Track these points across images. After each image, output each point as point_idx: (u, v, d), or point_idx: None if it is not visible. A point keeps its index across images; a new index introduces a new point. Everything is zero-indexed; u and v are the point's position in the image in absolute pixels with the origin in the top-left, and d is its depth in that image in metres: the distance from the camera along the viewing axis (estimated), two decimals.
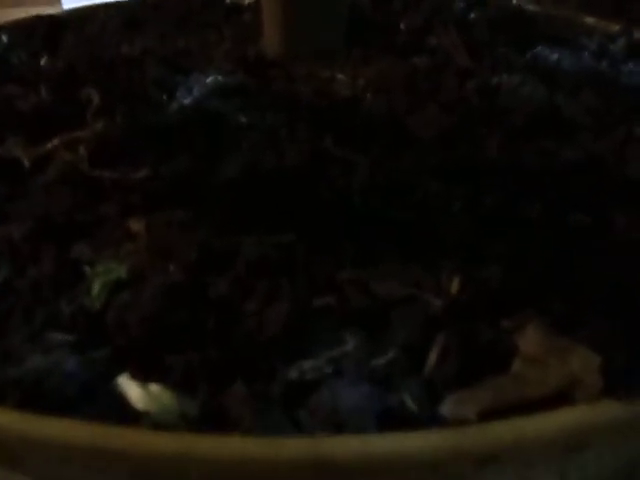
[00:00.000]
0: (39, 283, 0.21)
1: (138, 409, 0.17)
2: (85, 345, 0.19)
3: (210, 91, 0.36)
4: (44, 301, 0.21)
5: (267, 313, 0.19)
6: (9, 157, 0.30)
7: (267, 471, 0.15)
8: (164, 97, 0.36)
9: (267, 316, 0.18)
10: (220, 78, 0.38)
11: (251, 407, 0.16)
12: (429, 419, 0.16)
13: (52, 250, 0.22)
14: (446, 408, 0.16)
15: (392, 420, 0.16)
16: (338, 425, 0.16)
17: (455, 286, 0.19)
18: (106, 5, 0.67)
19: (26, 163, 0.30)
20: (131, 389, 0.17)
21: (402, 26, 0.54)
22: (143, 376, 0.17)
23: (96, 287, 0.19)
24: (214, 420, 0.17)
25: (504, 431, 0.15)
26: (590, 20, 0.57)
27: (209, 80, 0.37)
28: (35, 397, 0.17)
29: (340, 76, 0.40)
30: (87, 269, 0.21)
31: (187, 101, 0.35)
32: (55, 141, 0.31)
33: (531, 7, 0.64)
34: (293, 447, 0.15)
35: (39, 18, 0.59)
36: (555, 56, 0.42)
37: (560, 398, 0.16)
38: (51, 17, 0.59)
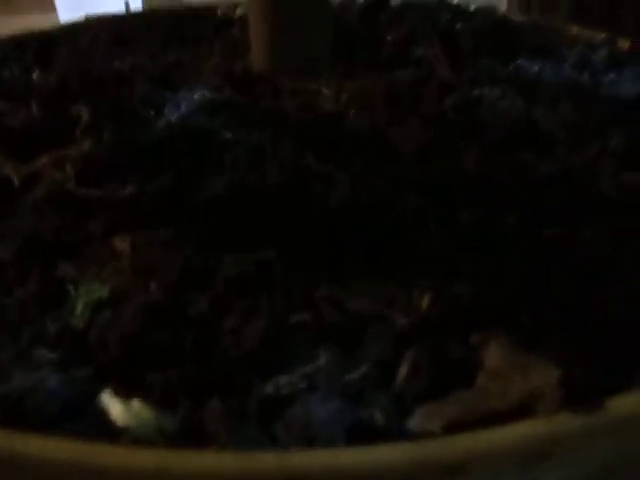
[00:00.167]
0: (25, 302, 0.22)
1: (119, 425, 0.18)
2: (69, 363, 0.19)
3: (197, 107, 0.36)
4: (30, 320, 0.21)
5: (244, 330, 0.19)
6: None
7: None
8: (152, 113, 0.37)
9: (244, 333, 0.19)
10: (207, 94, 0.38)
11: (227, 423, 0.17)
12: (398, 432, 0.17)
13: (38, 270, 0.23)
14: (414, 421, 0.17)
15: (362, 434, 0.17)
16: (310, 439, 0.16)
17: (426, 302, 0.20)
18: (98, 19, 0.68)
19: (15, 181, 0.31)
20: (113, 405, 0.18)
21: (388, 38, 0.55)
22: (125, 393, 0.18)
23: (79, 306, 0.20)
24: (192, 435, 0.17)
25: (470, 443, 0.16)
26: (575, 29, 0.58)
27: (196, 96, 0.38)
28: (18, 414, 0.18)
29: (325, 90, 0.41)
30: (71, 289, 0.21)
31: (174, 117, 0.36)
32: (44, 159, 0.32)
33: (516, 17, 0.65)
34: (265, 461, 0.15)
35: (31, 33, 0.60)
36: (536, 68, 0.43)
37: (522, 411, 0.16)
38: (43, 32, 0.60)
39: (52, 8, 2.06)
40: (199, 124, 0.34)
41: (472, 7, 0.66)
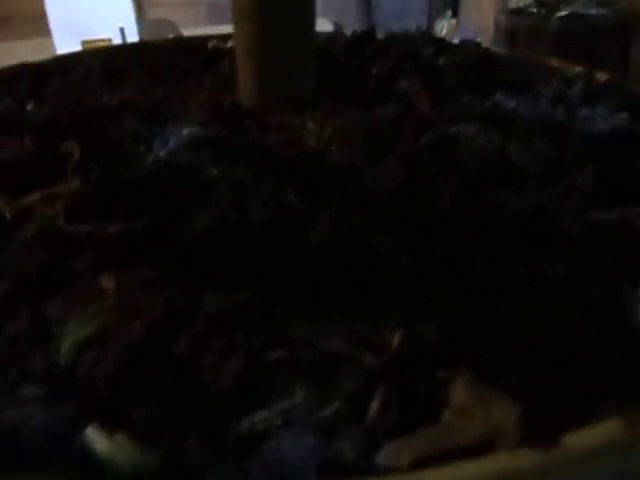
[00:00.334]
0: (15, 338, 0.23)
1: (103, 459, 0.18)
2: (56, 398, 0.20)
3: (184, 143, 0.38)
4: (19, 356, 0.22)
5: (223, 368, 0.20)
6: None
7: None
8: (141, 149, 0.38)
9: (222, 371, 0.20)
10: (195, 130, 0.40)
11: (204, 459, 0.18)
12: (367, 467, 0.17)
13: (28, 307, 0.24)
14: (382, 457, 0.17)
15: (333, 469, 0.17)
16: (282, 476, 0.17)
17: (396, 340, 0.21)
18: (90, 51, 0.70)
19: (8, 216, 0.32)
20: (98, 440, 0.19)
21: (373, 71, 0.56)
22: (109, 428, 0.19)
23: (66, 344, 0.21)
24: (173, 470, 0.18)
25: (434, 478, 0.17)
26: (555, 62, 0.61)
27: (184, 132, 0.39)
28: (6, 450, 0.18)
29: (310, 125, 0.42)
30: (57, 327, 0.22)
31: (163, 153, 0.37)
32: (35, 195, 0.33)
33: (499, 50, 0.67)
34: None
35: (25, 65, 0.62)
36: (513, 103, 0.45)
37: (485, 447, 0.17)
38: (36, 64, 0.61)
39: (47, 33, 2.09)
40: (186, 160, 0.35)
41: (454, 40, 0.68)
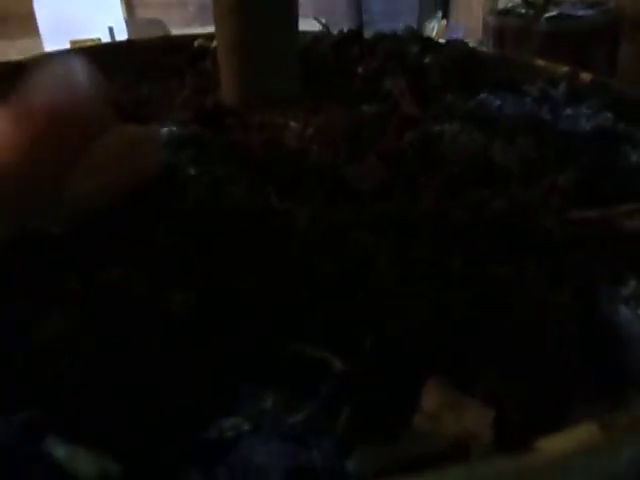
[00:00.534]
0: None
1: (64, 470, 0.18)
2: (15, 408, 0.20)
3: (164, 143, 0.37)
4: None
5: (192, 372, 0.20)
6: None
7: None
8: None
9: (191, 374, 0.19)
10: (175, 129, 0.39)
11: (171, 466, 0.17)
12: (337, 474, 0.17)
13: None
14: (351, 464, 0.17)
15: (302, 475, 0.17)
16: None
17: (369, 344, 0.20)
18: (74, 50, 0.69)
19: None
20: (59, 451, 0.18)
21: (359, 70, 0.56)
22: (71, 438, 0.18)
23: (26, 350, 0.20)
24: (139, 478, 0.18)
25: None
26: (541, 62, 0.60)
27: (163, 131, 0.39)
28: None
29: (293, 124, 0.42)
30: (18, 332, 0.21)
31: None
32: None
33: (484, 50, 0.67)
34: None
35: (6, 64, 0.61)
36: (498, 102, 0.44)
37: (456, 452, 0.17)
38: (18, 63, 0.60)
39: (36, 34, 2.07)
40: (164, 159, 0.35)
41: (442, 40, 0.68)
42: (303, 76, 0.49)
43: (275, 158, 0.35)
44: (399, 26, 0.73)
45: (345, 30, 0.70)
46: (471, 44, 0.69)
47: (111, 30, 1.91)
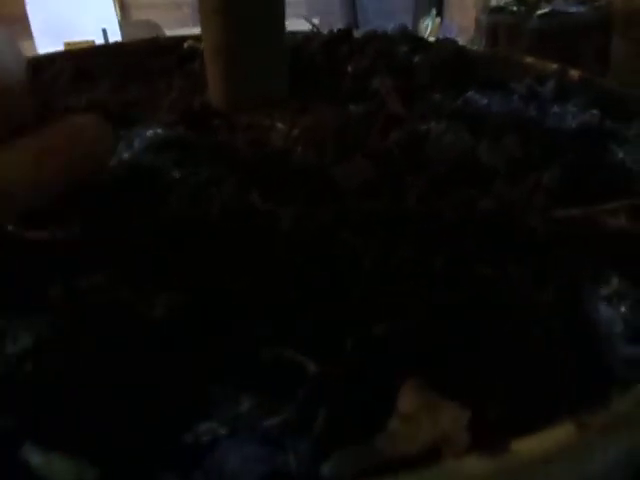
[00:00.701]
0: None
1: (40, 475, 0.18)
2: None
3: (148, 145, 0.37)
4: None
5: (169, 375, 0.19)
6: None
7: None
8: None
9: (168, 378, 0.19)
10: (160, 131, 0.39)
11: (147, 471, 0.17)
12: (312, 478, 0.17)
13: None
14: (327, 467, 0.17)
15: (277, 479, 0.17)
16: None
17: (349, 345, 0.20)
18: (63, 53, 0.69)
19: None
20: (34, 457, 0.18)
21: (349, 70, 0.56)
22: (46, 444, 0.18)
23: (3, 355, 0.20)
24: None
25: None
26: (530, 60, 0.60)
27: (149, 133, 0.38)
28: None
29: (279, 125, 0.42)
30: None
31: (127, 155, 0.37)
32: None
33: (475, 48, 0.67)
34: None
35: None
36: (485, 100, 0.44)
37: (431, 454, 0.17)
38: None
39: (29, 36, 2.07)
40: (148, 162, 0.35)
41: (433, 39, 0.68)
42: (292, 76, 0.49)
43: (261, 159, 0.35)
44: (393, 24, 0.73)
45: (337, 29, 0.70)
46: (463, 42, 0.69)
47: (105, 32, 1.90)
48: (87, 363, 0.20)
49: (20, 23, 1.94)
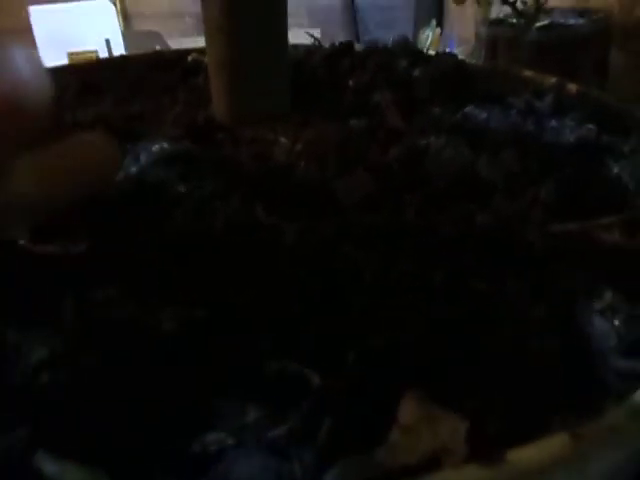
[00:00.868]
0: None
1: None
2: (5, 423, 0.20)
3: (154, 160, 0.38)
4: None
5: (176, 387, 0.20)
6: None
7: None
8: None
9: (176, 390, 0.20)
10: (166, 145, 0.40)
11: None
12: None
13: None
14: (330, 477, 0.17)
15: None
16: None
17: (351, 359, 0.21)
18: (68, 67, 0.70)
19: None
20: (48, 465, 0.19)
21: (350, 84, 0.57)
22: (60, 452, 0.19)
23: (19, 368, 0.21)
24: None
25: None
26: (528, 73, 0.61)
27: (155, 148, 0.39)
28: None
29: (282, 139, 0.42)
30: (13, 350, 0.22)
31: (133, 170, 0.37)
32: None
33: (474, 62, 0.68)
34: None
35: None
36: (484, 115, 0.45)
37: (430, 465, 0.17)
38: None
39: (33, 46, 2.08)
40: (154, 177, 0.36)
41: (433, 50, 0.69)
42: (295, 90, 0.50)
43: (265, 173, 0.36)
44: (394, 36, 0.74)
45: (338, 42, 0.71)
46: (464, 53, 0.70)
47: (108, 42, 1.92)
48: (96, 377, 0.21)
49: (24, 34, 1.96)
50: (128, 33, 2.11)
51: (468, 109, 0.46)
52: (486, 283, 0.25)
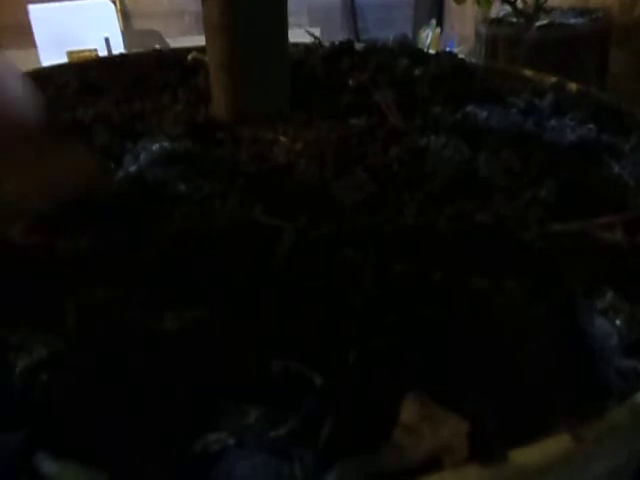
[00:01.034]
0: None
1: None
2: (5, 424, 0.20)
3: (154, 159, 0.38)
4: None
5: (177, 388, 0.20)
6: None
7: None
8: (112, 165, 0.38)
9: (177, 390, 0.20)
10: (166, 144, 0.40)
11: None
12: None
13: None
14: (331, 477, 0.17)
15: None
16: None
17: (352, 358, 0.21)
18: (68, 65, 0.70)
19: None
20: (47, 466, 0.19)
21: (350, 83, 0.57)
22: (60, 453, 0.19)
23: (19, 369, 0.21)
24: None
25: None
26: (529, 73, 0.61)
27: (155, 147, 0.39)
28: None
29: (282, 138, 0.42)
30: (14, 351, 0.22)
31: (133, 169, 0.37)
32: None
33: (474, 61, 0.68)
34: None
35: None
36: (484, 114, 0.45)
37: (432, 464, 0.17)
38: None
39: (32, 45, 2.08)
40: (154, 176, 0.35)
41: (433, 51, 0.68)
42: (294, 89, 0.50)
43: (263, 173, 0.36)
44: (394, 34, 0.74)
45: (338, 41, 0.71)
46: (464, 52, 0.70)
47: (107, 41, 1.92)
48: (96, 377, 0.21)
49: (23, 32, 1.95)
50: (128, 32, 2.11)
51: (468, 108, 0.46)
52: (486, 283, 0.25)
